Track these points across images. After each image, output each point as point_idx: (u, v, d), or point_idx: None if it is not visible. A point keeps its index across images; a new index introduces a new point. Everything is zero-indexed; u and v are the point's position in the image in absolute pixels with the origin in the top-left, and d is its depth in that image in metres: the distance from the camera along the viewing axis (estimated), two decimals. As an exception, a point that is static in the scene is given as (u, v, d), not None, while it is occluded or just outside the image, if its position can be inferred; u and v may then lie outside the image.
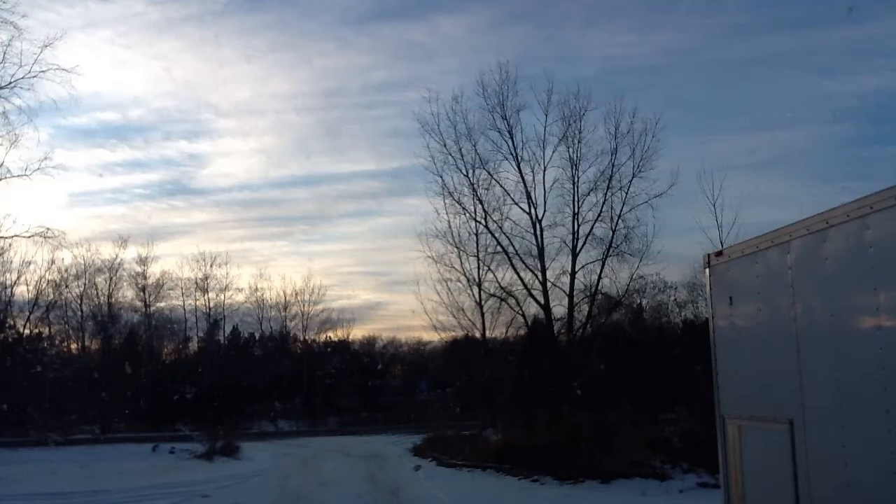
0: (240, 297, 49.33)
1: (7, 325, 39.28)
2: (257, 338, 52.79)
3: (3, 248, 31.46)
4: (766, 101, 52.32)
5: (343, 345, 51.22)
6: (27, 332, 40.64)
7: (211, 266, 46.75)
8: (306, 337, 51.63)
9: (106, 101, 65.12)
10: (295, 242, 75.75)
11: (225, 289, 47.62)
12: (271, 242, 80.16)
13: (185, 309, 47.33)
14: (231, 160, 71.63)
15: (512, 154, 25.36)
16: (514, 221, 25.60)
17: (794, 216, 5.39)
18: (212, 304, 47.70)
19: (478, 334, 27.78)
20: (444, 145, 25.90)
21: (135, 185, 70.16)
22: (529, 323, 26.91)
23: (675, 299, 30.98)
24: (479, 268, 26.36)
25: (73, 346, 45.67)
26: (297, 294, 49.70)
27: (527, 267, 25.46)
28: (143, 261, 44.77)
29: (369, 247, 78.03)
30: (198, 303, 47.46)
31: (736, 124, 56.51)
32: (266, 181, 74.30)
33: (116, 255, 43.40)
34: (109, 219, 69.72)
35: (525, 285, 25.62)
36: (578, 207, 25.13)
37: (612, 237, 24.89)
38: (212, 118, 70.22)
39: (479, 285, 26.44)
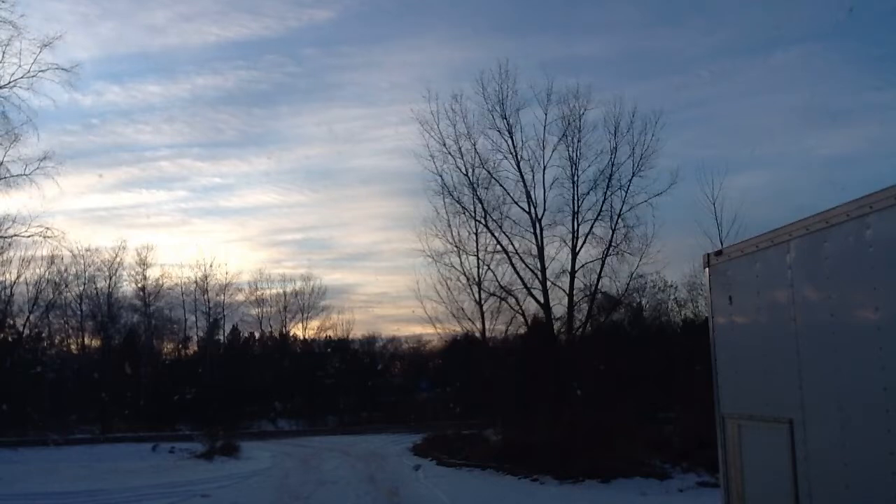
0: (240, 297, 49.41)
1: (7, 324, 39.27)
2: (257, 337, 52.88)
3: (2, 247, 31.46)
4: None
5: (343, 344, 51.19)
6: (27, 332, 40.64)
7: (211, 265, 46.95)
8: (306, 337, 51.78)
9: None
10: (197, 192, 59.67)
11: (225, 288, 47.75)
12: (150, 191, 61.92)
13: (185, 309, 47.40)
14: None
15: (511, 153, 25.39)
16: (513, 220, 25.63)
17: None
18: (212, 304, 47.80)
19: (477, 333, 27.79)
20: (444, 144, 25.92)
21: None
22: (529, 322, 26.93)
23: (675, 299, 31.01)
24: (478, 267, 26.37)
25: (73, 345, 45.74)
26: (296, 293, 49.87)
27: (526, 266, 25.48)
28: (142, 261, 44.91)
29: (302, 200, 65.15)
30: (197, 302, 47.56)
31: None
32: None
33: (116, 255, 43.51)
34: None
35: (525, 284, 25.63)
36: (578, 206, 25.17)
37: (612, 236, 24.94)
38: None
39: (479, 284, 26.44)
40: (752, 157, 51.88)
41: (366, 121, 65.37)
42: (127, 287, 44.57)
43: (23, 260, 37.82)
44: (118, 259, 43.52)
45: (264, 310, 50.28)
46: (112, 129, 58.55)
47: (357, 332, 52.54)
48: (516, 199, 25.45)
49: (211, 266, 46.78)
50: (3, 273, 37.70)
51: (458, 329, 27.80)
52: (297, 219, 69.79)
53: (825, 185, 45.09)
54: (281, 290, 50.12)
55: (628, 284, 25.78)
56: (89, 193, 59.62)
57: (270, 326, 51.38)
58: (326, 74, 63.62)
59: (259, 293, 49.80)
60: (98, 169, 57.51)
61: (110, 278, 43.34)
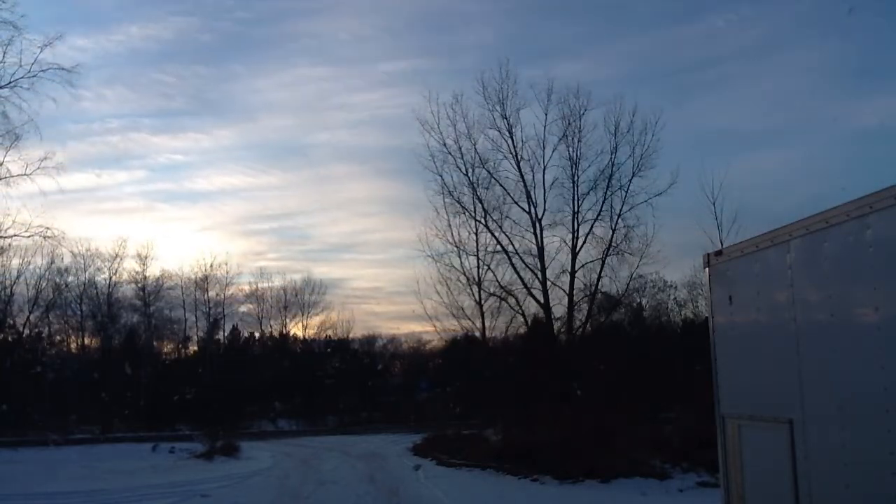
0: (240, 297, 49.41)
1: (7, 324, 39.27)
2: (257, 337, 52.87)
3: (2, 247, 31.45)
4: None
5: (343, 344, 51.23)
6: (27, 332, 40.65)
7: (211, 266, 46.94)
8: (306, 336, 51.77)
9: None
10: (157, 172, 54.75)
11: (225, 287, 47.75)
12: (108, 171, 58.11)
13: (184, 309, 47.41)
14: None
15: (512, 153, 25.49)
16: (513, 220, 25.72)
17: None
18: (212, 304, 47.79)
19: (477, 333, 27.82)
20: (444, 144, 26.05)
21: None
22: (529, 322, 26.98)
23: (675, 298, 31.13)
24: (478, 267, 26.44)
25: (73, 345, 45.78)
26: (296, 291, 49.85)
27: (526, 266, 25.56)
28: (142, 260, 44.90)
29: (274, 182, 60.93)
30: (198, 302, 47.54)
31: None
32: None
33: (116, 254, 43.49)
34: None
35: (525, 284, 25.70)
36: (578, 206, 25.26)
37: (612, 236, 25.04)
38: None
39: (479, 284, 26.51)
40: (770, 129, 47.98)
41: (330, 83, 59.21)
42: (126, 287, 44.60)
43: (23, 259, 37.92)
44: (118, 257, 43.56)
45: (263, 308, 50.39)
46: (47, 92, 54.20)
47: (357, 332, 52.73)
48: (516, 199, 25.58)
49: (211, 266, 46.88)
50: (3, 273, 37.78)
51: (458, 328, 27.89)
52: (272, 203, 63.33)
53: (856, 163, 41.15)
54: (280, 288, 50.23)
55: (628, 284, 25.90)
56: (38, 175, 57.09)
57: (270, 326, 51.50)
58: (282, 22, 56.60)
59: (259, 292, 49.93)
60: (41, 144, 54.50)
61: (110, 278, 43.39)
